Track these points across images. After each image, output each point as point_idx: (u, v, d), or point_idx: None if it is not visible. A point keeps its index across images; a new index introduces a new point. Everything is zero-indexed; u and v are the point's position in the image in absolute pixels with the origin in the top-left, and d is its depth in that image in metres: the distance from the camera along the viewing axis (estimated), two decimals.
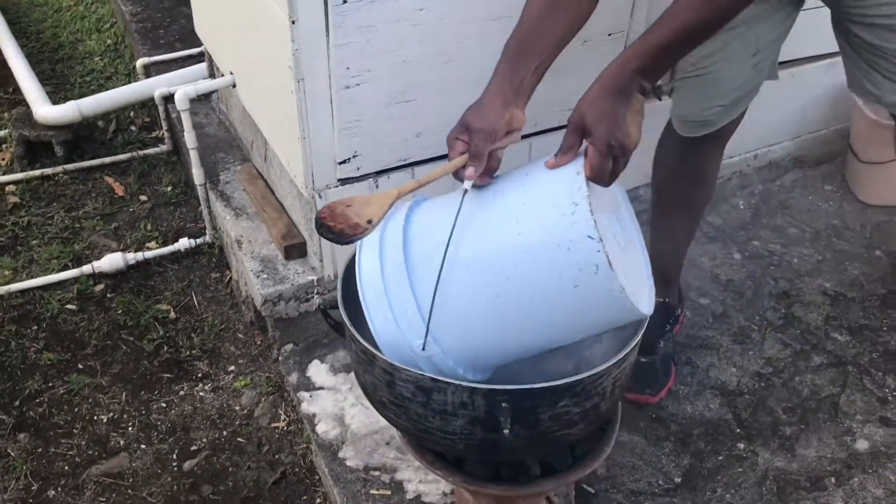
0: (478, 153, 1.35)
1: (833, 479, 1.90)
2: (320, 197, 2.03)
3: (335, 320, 1.49)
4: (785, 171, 2.84)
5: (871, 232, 2.62)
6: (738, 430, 2.01)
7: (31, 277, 2.54)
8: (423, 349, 1.33)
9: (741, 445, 1.98)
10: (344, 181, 2.03)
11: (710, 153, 1.96)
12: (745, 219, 2.67)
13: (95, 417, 2.16)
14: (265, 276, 2.21)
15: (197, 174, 2.53)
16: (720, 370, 2.16)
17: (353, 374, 1.82)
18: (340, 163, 1.99)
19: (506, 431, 1.27)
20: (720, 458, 1.95)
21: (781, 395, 2.09)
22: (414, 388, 1.34)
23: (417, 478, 1.90)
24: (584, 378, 1.30)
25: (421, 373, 1.32)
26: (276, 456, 2.07)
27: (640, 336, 1.40)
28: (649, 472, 1.92)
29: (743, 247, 2.56)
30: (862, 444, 1.97)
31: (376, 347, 1.37)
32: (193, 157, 2.48)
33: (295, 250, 2.24)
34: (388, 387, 1.39)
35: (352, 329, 1.41)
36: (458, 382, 1.29)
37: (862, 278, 2.44)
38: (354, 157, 2.00)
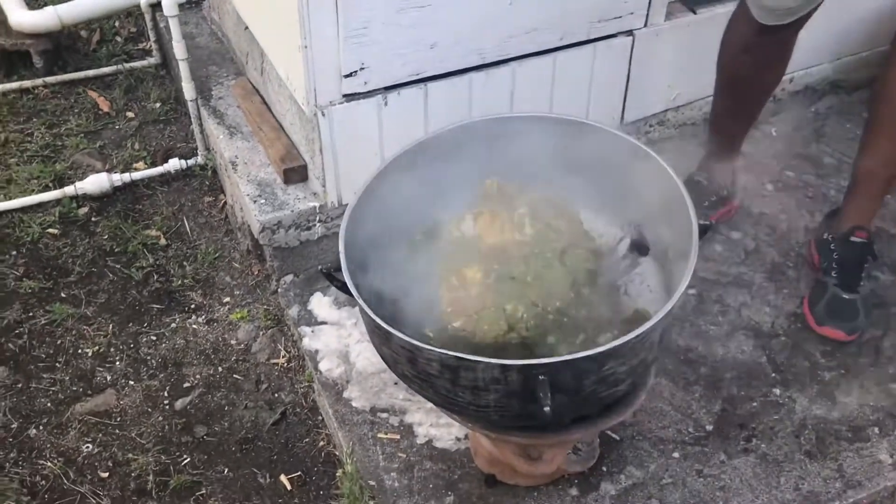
0: None
1: (877, 429, 1.76)
2: (323, 115, 1.83)
3: (341, 281, 1.32)
4: (821, 96, 2.64)
5: None
6: (774, 375, 1.87)
7: (10, 199, 2.35)
8: None
9: (777, 391, 1.84)
10: (350, 97, 1.84)
11: (789, 39, 1.89)
12: (778, 147, 2.48)
13: (80, 351, 2.01)
14: (262, 201, 2.03)
15: (187, 89, 2.32)
16: (753, 309, 2.01)
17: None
18: (346, 76, 1.79)
19: (546, 409, 1.12)
20: (754, 404, 1.81)
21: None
22: (439, 366, 1.18)
23: (429, 421, 1.76)
24: (631, 339, 1.15)
25: (445, 352, 1.16)
26: (276, 395, 1.93)
27: (686, 282, 1.25)
28: (678, 419, 1.78)
29: (776, 177, 2.38)
30: None
31: (391, 321, 1.21)
32: (183, 69, 2.27)
33: (295, 174, 2.05)
34: (409, 363, 1.23)
35: (362, 302, 1.25)
36: (487, 360, 1.14)
37: None
38: (362, 69, 1.80)
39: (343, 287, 1.33)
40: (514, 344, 1.31)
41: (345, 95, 1.84)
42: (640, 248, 1.51)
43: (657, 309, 1.40)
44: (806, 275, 2.09)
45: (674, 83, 2.29)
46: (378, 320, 1.24)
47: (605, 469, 1.69)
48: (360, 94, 1.85)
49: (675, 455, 1.72)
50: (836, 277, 1.93)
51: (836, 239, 1.98)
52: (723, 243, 2.17)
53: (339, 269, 1.34)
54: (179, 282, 2.17)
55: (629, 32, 2.09)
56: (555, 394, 1.18)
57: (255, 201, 2.03)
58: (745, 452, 1.73)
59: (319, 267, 1.40)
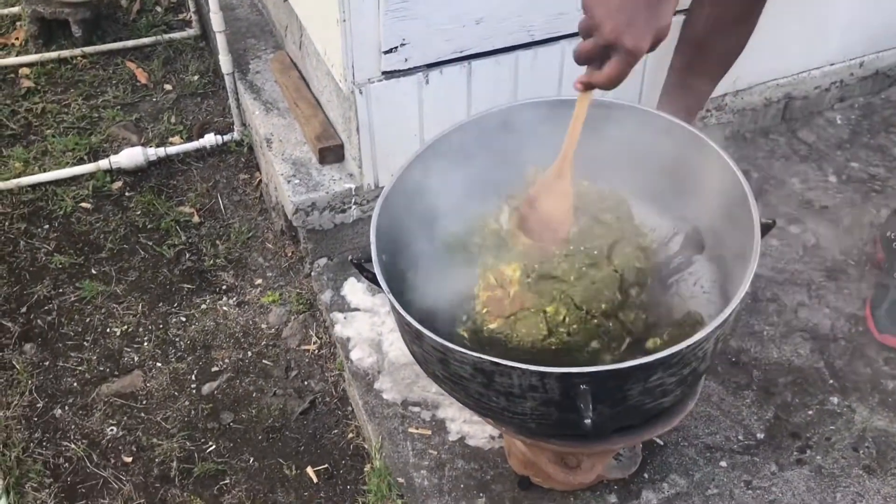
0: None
1: None
2: (361, 93, 1.74)
3: (371, 272, 1.24)
4: (892, 83, 2.48)
5: None
6: (832, 382, 1.75)
7: (44, 171, 2.32)
8: None
9: (834, 399, 1.72)
10: (389, 74, 1.75)
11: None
12: (843, 136, 2.34)
13: (108, 330, 1.97)
14: (297, 181, 1.95)
15: (224, 61, 2.25)
16: (811, 310, 1.88)
17: None
18: (386, 52, 1.70)
19: (587, 422, 1.02)
20: (810, 412, 1.70)
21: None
22: (472, 369, 1.10)
23: (462, 417, 1.68)
24: (682, 349, 1.05)
25: (479, 356, 1.08)
26: (305, 382, 1.86)
27: (746, 287, 1.14)
28: (727, 425, 1.68)
29: (840, 169, 2.23)
30: None
31: (423, 318, 1.13)
32: (220, 41, 2.19)
33: (331, 153, 1.97)
34: (440, 363, 1.15)
35: (392, 298, 1.17)
36: (524, 367, 1.05)
37: None
38: (402, 45, 1.70)
39: (373, 278, 1.25)
40: (553, 349, 1.22)
41: (384, 72, 1.75)
42: (694, 244, 1.41)
43: (710, 312, 1.31)
44: (870, 274, 1.96)
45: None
46: (409, 318, 1.16)
47: (646, 476, 1.60)
48: (400, 71, 1.75)
49: (723, 464, 1.62)
50: None
51: None
52: (780, 238, 2.05)
53: (369, 259, 1.26)
54: (211, 261, 2.12)
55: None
56: (597, 405, 1.09)
57: (289, 181, 1.96)
58: (798, 464, 1.62)
59: (349, 257, 1.32)
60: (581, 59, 1.08)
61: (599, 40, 1.04)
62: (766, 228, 1.25)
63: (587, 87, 1.10)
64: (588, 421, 1.07)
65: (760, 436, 1.66)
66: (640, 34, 1.02)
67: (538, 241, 1.24)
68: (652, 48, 1.05)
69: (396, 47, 1.71)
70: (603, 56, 1.05)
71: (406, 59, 1.74)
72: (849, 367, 1.78)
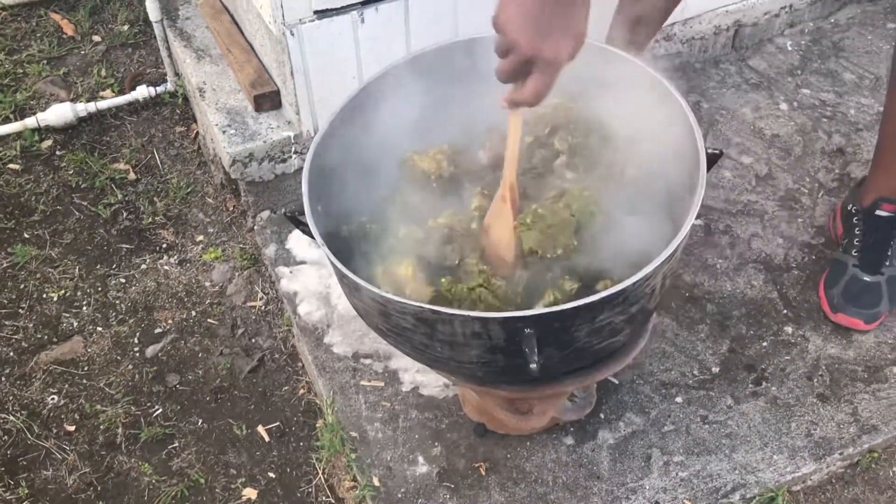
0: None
1: (895, 370, 1.64)
2: (293, 34, 1.66)
3: (306, 224, 1.18)
4: (841, 6, 2.43)
5: None
6: (785, 312, 1.74)
7: None
8: None
9: (788, 329, 1.71)
10: (322, 14, 1.66)
11: None
12: (793, 62, 2.30)
13: (44, 295, 1.89)
14: (233, 131, 1.87)
15: (151, 9, 2.13)
16: (764, 241, 1.86)
17: None
18: None
19: (533, 366, 0.99)
20: (764, 344, 1.69)
21: None
22: (413, 319, 1.05)
23: (415, 367, 1.65)
24: (627, 287, 1.01)
25: (419, 305, 1.03)
26: (253, 340, 1.81)
27: (693, 216, 1.10)
28: (682, 361, 1.66)
29: (791, 95, 2.20)
30: None
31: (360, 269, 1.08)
32: None
33: (267, 100, 1.89)
34: (382, 316, 1.10)
35: (328, 251, 1.12)
36: (465, 314, 1.01)
37: None
38: None
39: (310, 232, 1.19)
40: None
41: (316, 12, 1.66)
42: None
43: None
44: (824, 200, 1.94)
45: None
46: (345, 270, 1.11)
47: (602, 416, 1.58)
48: (332, 10, 1.67)
49: (679, 400, 1.61)
50: (856, 256, 1.71)
51: (861, 211, 1.74)
52: (732, 168, 2.02)
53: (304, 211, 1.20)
54: (150, 219, 2.03)
55: None
56: (543, 348, 1.06)
57: (224, 131, 1.87)
58: (753, 396, 1.61)
59: (283, 210, 1.25)
60: (503, 78, 1.06)
61: (518, 57, 1.02)
62: (712, 160, 1.21)
63: (514, 105, 1.09)
64: (534, 366, 1.03)
65: (716, 370, 1.65)
66: (557, 44, 1.01)
67: (494, 270, 1.21)
68: (571, 56, 1.03)
69: None
70: (525, 72, 1.03)
71: None
72: (802, 296, 1.77)
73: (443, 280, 1.20)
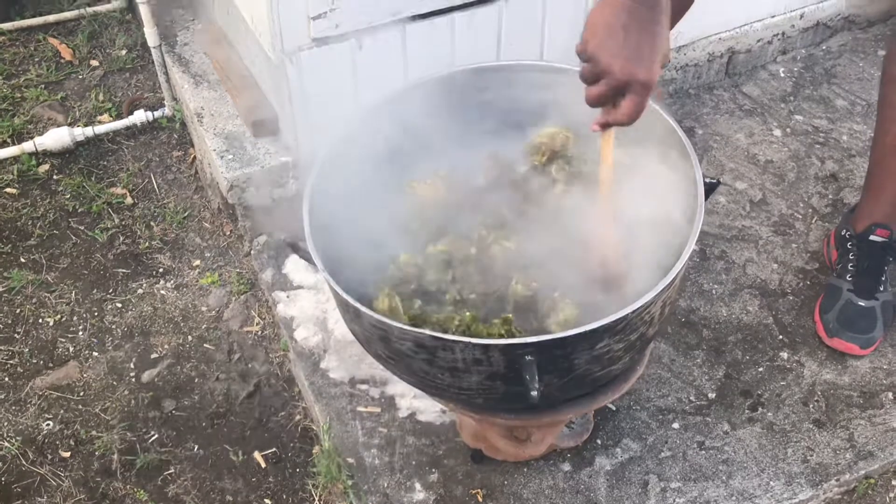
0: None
1: (890, 395, 1.65)
2: (291, 62, 1.67)
3: (306, 251, 1.19)
4: (833, 33, 2.47)
5: None
6: (781, 337, 1.75)
7: None
8: None
9: (784, 355, 1.72)
10: (320, 41, 1.68)
11: None
12: (786, 89, 2.32)
13: (40, 320, 1.88)
14: (230, 156, 1.88)
15: (150, 34, 2.14)
16: (759, 266, 1.88)
17: None
18: (314, 18, 1.63)
19: (534, 393, 0.99)
20: (760, 369, 1.69)
21: None
22: (414, 345, 1.06)
23: (411, 392, 1.65)
24: (628, 314, 1.02)
25: (419, 331, 1.04)
26: (249, 365, 1.81)
27: (692, 245, 1.11)
28: (678, 386, 1.67)
29: (784, 122, 2.22)
30: None
31: (361, 296, 1.08)
32: (144, 13, 2.09)
33: (264, 126, 1.90)
34: (382, 342, 1.11)
35: (328, 276, 1.12)
36: (466, 340, 1.02)
37: None
38: (332, 10, 1.63)
39: (310, 257, 1.19)
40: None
41: (314, 39, 1.68)
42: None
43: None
44: (818, 226, 1.95)
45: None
46: (346, 296, 1.11)
47: (599, 442, 1.58)
48: (331, 37, 1.68)
49: (675, 426, 1.61)
50: (851, 281, 1.72)
51: (855, 237, 1.75)
52: (726, 194, 2.03)
53: (304, 238, 1.21)
54: (147, 244, 2.04)
55: None
56: (544, 375, 1.06)
57: (222, 156, 1.88)
58: (749, 422, 1.61)
59: (283, 237, 1.26)
60: (595, 103, 1.09)
61: (612, 82, 1.04)
62: (710, 189, 1.22)
63: (606, 127, 1.11)
64: (535, 393, 1.04)
65: (712, 395, 1.66)
66: (650, 65, 1.03)
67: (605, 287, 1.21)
68: (659, 74, 1.07)
69: (325, 12, 1.63)
70: (616, 95, 1.06)
71: (337, 25, 1.67)
72: (797, 321, 1.78)
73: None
